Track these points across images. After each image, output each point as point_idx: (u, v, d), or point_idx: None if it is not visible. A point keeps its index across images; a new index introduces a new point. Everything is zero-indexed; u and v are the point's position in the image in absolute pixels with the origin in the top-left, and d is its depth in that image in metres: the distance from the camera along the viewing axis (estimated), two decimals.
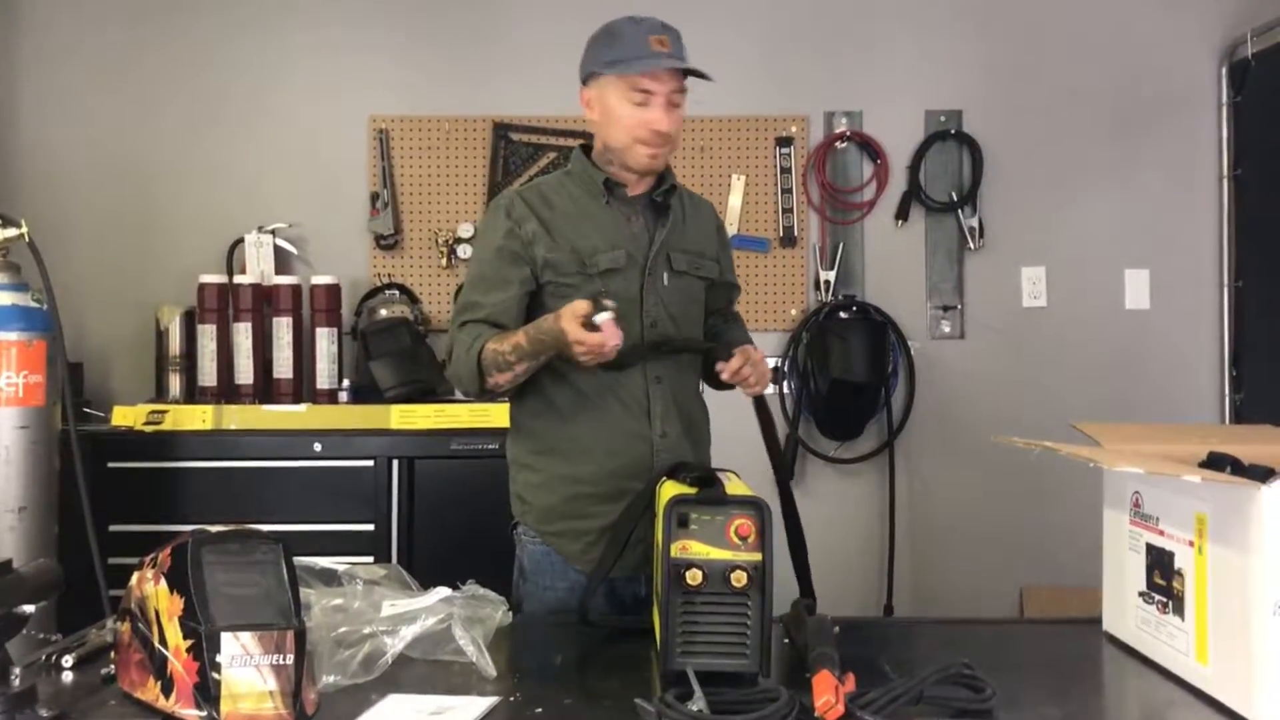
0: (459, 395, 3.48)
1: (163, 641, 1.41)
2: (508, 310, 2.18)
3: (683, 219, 2.33)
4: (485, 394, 2.18)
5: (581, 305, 1.97)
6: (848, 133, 3.90)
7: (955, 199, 3.88)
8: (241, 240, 3.71)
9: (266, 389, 3.55)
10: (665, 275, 2.25)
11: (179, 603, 1.40)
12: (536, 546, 2.26)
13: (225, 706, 1.36)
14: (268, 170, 3.86)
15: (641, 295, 2.21)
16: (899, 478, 3.86)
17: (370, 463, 3.25)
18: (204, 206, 3.83)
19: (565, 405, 2.22)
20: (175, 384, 3.58)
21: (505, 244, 2.21)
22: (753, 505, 1.54)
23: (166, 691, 1.40)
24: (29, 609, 1.49)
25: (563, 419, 2.22)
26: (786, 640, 1.69)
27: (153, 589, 1.44)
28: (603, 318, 1.95)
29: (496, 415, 3.30)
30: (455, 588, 1.72)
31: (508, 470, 2.33)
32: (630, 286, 2.21)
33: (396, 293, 3.74)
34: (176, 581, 1.41)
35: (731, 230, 3.88)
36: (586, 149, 2.32)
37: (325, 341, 3.58)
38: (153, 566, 1.47)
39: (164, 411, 3.29)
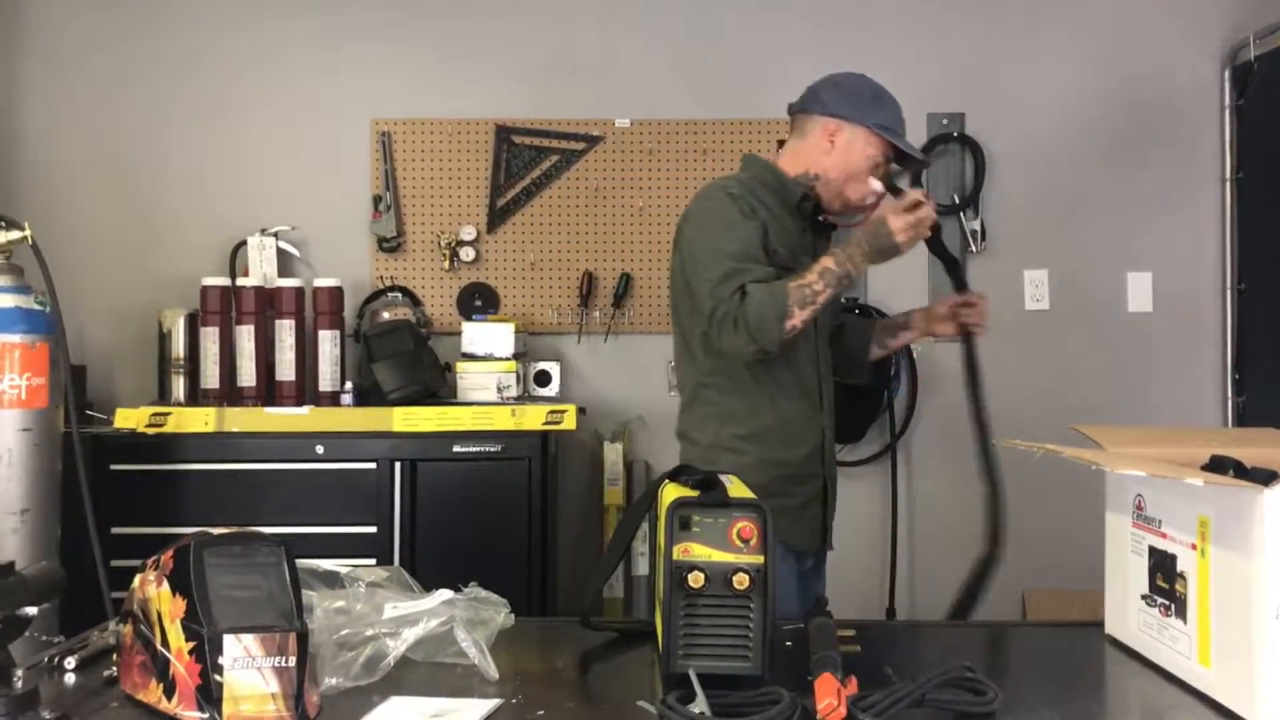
0: (464, 398, 3.50)
1: (165, 644, 1.41)
2: (757, 253, 2.35)
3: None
4: (769, 347, 2.29)
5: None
6: None
7: (957, 201, 3.88)
8: (244, 243, 3.72)
9: (269, 391, 3.55)
10: None
11: (181, 605, 1.40)
12: None
13: (227, 709, 1.36)
14: (270, 173, 3.87)
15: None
16: (901, 481, 3.86)
17: (373, 465, 3.26)
18: (206, 209, 3.84)
19: (768, 394, 2.44)
20: (178, 386, 3.58)
21: (744, 213, 2.38)
22: (755, 508, 1.54)
23: (169, 693, 1.40)
24: (32, 611, 1.49)
25: (769, 405, 2.44)
26: (788, 642, 1.69)
27: (155, 591, 1.44)
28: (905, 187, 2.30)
29: (498, 418, 3.31)
30: (457, 590, 1.71)
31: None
32: None
33: (399, 295, 3.74)
34: (179, 584, 1.42)
35: None
36: (754, 157, 2.61)
37: (328, 344, 3.59)
38: (155, 569, 1.47)
39: (166, 414, 3.29)
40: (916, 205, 2.29)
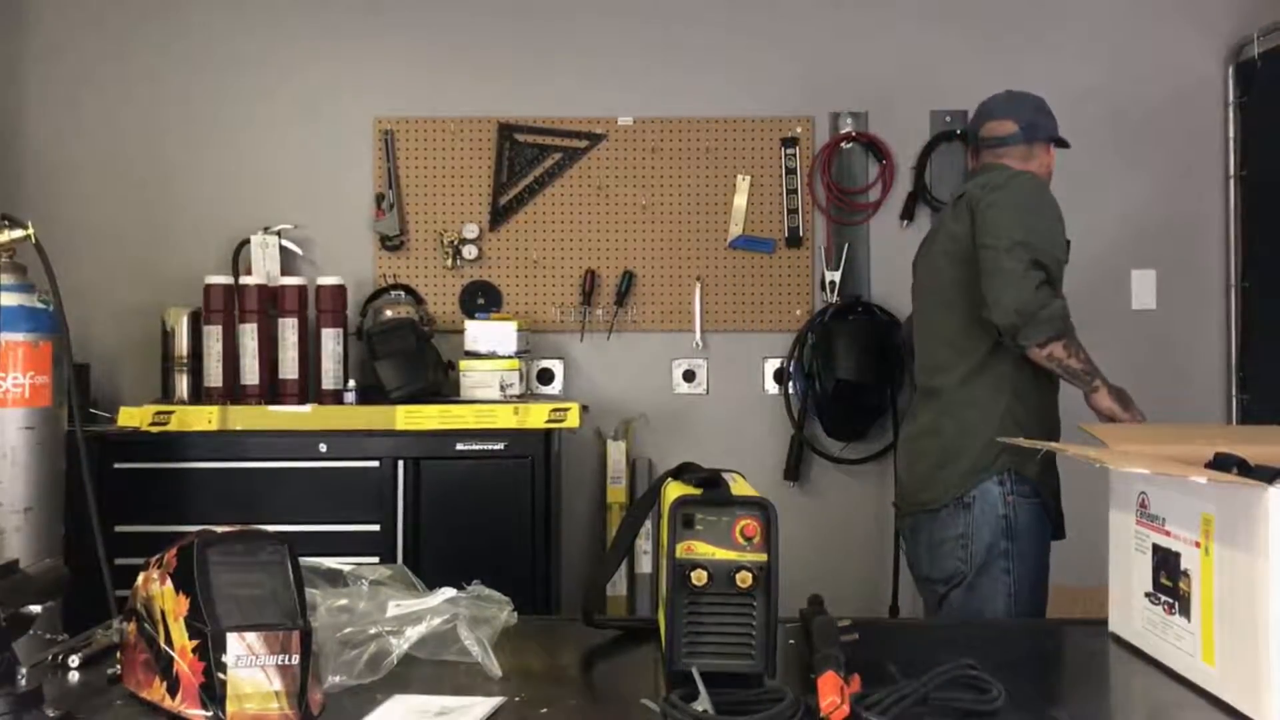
0: (467, 396, 3.50)
1: (168, 642, 1.41)
2: (1057, 269, 2.66)
3: None
4: (1032, 346, 2.61)
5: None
6: (853, 133, 3.90)
7: None
8: (247, 241, 3.72)
9: (272, 390, 3.55)
10: None
11: (185, 603, 1.40)
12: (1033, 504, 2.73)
13: (231, 707, 1.36)
14: (273, 172, 3.87)
15: None
16: None
17: (376, 463, 3.26)
18: (210, 208, 3.84)
19: (1047, 384, 2.76)
20: (181, 385, 3.58)
21: (1060, 219, 2.72)
22: (758, 505, 1.54)
23: (172, 691, 1.40)
24: (35, 609, 1.49)
25: (1053, 391, 2.77)
26: (792, 640, 1.69)
27: (159, 589, 1.44)
28: None
29: (501, 416, 3.31)
30: (461, 588, 1.71)
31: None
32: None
33: (402, 293, 3.74)
34: (182, 582, 1.42)
35: (736, 230, 3.89)
36: None
37: (331, 342, 3.59)
38: (159, 567, 1.47)
39: (170, 412, 3.30)
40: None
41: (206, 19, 3.88)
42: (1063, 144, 3.00)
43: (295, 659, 1.38)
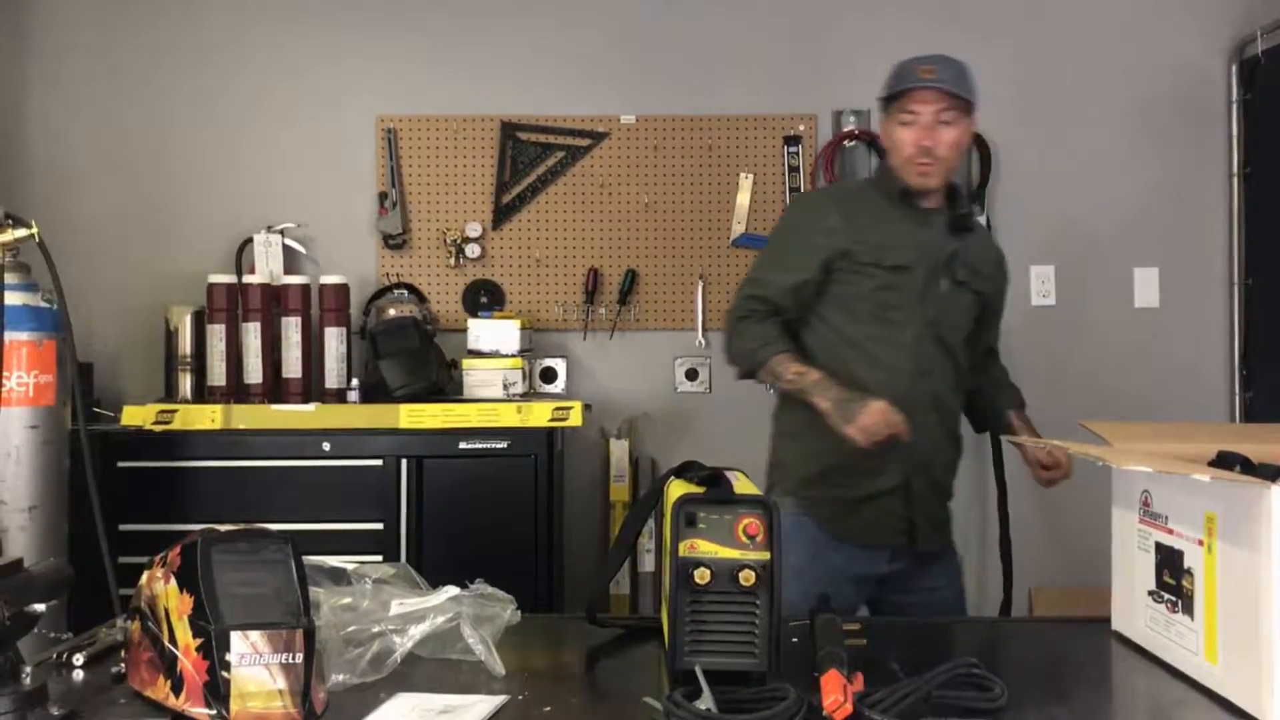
0: (470, 395, 3.50)
1: (172, 640, 1.41)
2: (791, 295, 2.52)
3: (974, 237, 2.61)
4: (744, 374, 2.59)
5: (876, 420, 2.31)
6: (856, 131, 3.89)
7: None
8: (250, 240, 3.73)
9: (275, 388, 3.56)
10: (944, 283, 2.52)
11: (188, 601, 1.40)
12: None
13: (235, 705, 1.36)
14: (276, 170, 3.88)
15: (923, 296, 2.49)
16: None
17: (379, 462, 3.26)
18: (213, 207, 3.84)
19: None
20: (185, 384, 3.59)
21: (805, 233, 2.56)
22: (761, 504, 1.54)
23: (176, 690, 1.40)
24: (40, 608, 1.49)
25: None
26: (794, 639, 1.69)
27: (162, 588, 1.45)
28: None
29: (504, 415, 3.31)
30: (464, 586, 1.72)
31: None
32: (914, 284, 2.48)
33: (405, 292, 3.74)
34: (186, 580, 1.42)
35: (739, 229, 3.89)
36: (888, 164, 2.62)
37: (334, 341, 3.59)
38: (162, 565, 1.47)
39: (173, 411, 3.30)
40: (887, 424, 2.31)
41: (210, 18, 3.88)
42: (893, 98, 2.54)
43: (299, 657, 1.38)
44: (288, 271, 3.72)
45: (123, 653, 1.57)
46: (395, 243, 3.86)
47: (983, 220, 3.86)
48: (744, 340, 2.54)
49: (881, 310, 2.49)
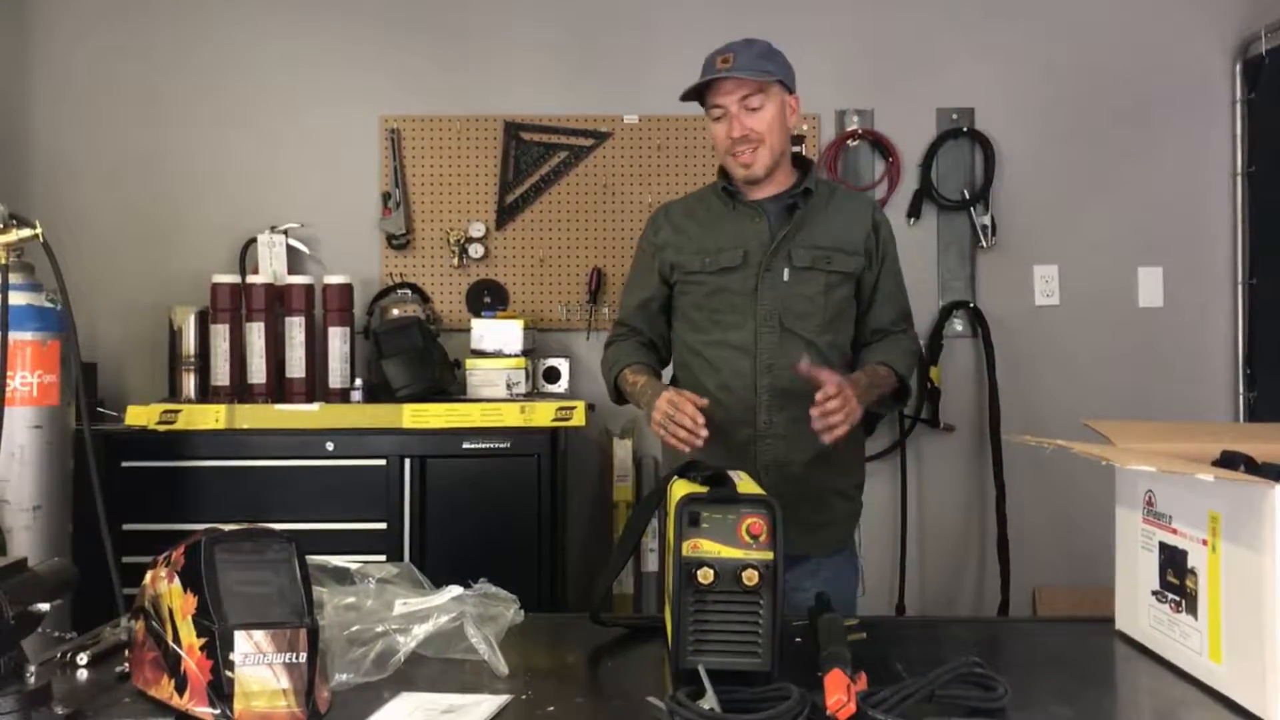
0: (473, 395, 3.51)
1: (176, 640, 1.41)
2: (638, 314, 2.58)
3: (821, 216, 2.49)
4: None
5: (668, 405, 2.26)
6: (859, 131, 3.89)
7: (967, 197, 3.87)
8: (254, 240, 3.73)
9: (279, 388, 3.56)
10: (786, 271, 2.43)
11: (192, 601, 1.41)
12: None
13: (238, 704, 1.36)
14: (280, 170, 3.88)
15: (757, 291, 2.42)
16: (911, 476, 3.86)
17: (383, 462, 3.26)
18: (216, 207, 3.85)
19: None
20: (188, 384, 3.59)
21: (644, 250, 2.59)
22: (764, 504, 1.54)
23: (180, 689, 1.40)
24: (44, 607, 1.50)
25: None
26: (797, 639, 1.69)
27: (166, 587, 1.45)
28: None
29: (508, 415, 3.31)
30: (467, 586, 1.72)
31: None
32: (745, 283, 2.43)
33: (408, 292, 3.75)
34: (190, 580, 1.42)
35: None
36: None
37: (337, 341, 3.59)
38: (166, 565, 1.47)
39: (177, 411, 3.30)
40: (682, 417, 2.24)
41: (213, 18, 3.89)
42: (689, 98, 2.50)
43: (302, 657, 1.39)
44: (291, 271, 3.72)
45: (127, 652, 1.57)
46: (399, 243, 3.86)
47: (986, 220, 3.86)
48: (603, 367, 2.62)
49: (715, 315, 2.47)
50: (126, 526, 2.99)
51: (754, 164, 2.44)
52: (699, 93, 2.47)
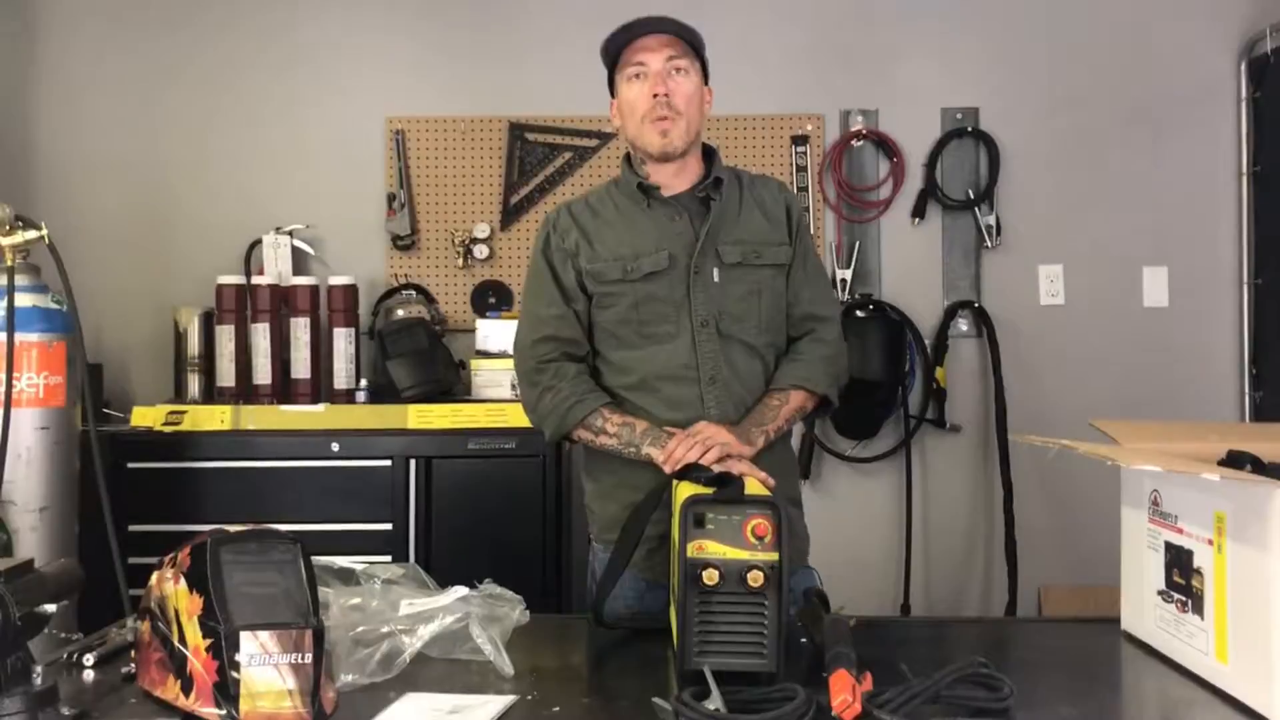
0: (478, 395, 3.51)
1: (182, 640, 1.42)
2: (569, 322, 2.17)
3: (738, 207, 2.22)
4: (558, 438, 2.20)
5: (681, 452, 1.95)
6: (864, 131, 3.89)
7: (972, 197, 3.87)
8: (259, 241, 3.73)
9: (284, 389, 3.56)
10: (716, 271, 2.15)
11: (198, 602, 1.41)
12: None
13: (244, 705, 1.36)
14: (285, 171, 3.88)
15: (689, 296, 2.13)
16: (916, 476, 3.85)
17: (388, 462, 3.26)
18: (221, 208, 3.85)
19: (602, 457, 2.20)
20: (194, 385, 3.60)
21: (547, 261, 2.20)
22: (769, 505, 1.54)
23: (186, 690, 1.41)
24: (50, 608, 1.50)
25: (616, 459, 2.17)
26: (804, 639, 1.69)
27: (172, 588, 1.45)
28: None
29: (513, 415, 3.31)
30: (473, 587, 1.72)
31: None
32: (675, 289, 2.14)
33: (413, 293, 3.75)
34: (196, 581, 1.42)
35: None
36: (630, 158, 2.26)
37: (343, 342, 3.60)
38: (172, 566, 1.47)
39: (183, 412, 3.31)
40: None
41: (218, 20, 3.89)
42: (617, 58, 2.19)
43: (308, 657, 1.39)
44: (296, 272, 3.73)
45: (133, 653, 1.57)
46: (404, 243, 3.86)
47: (991, 220, 3.86)
48: (540, 409, 2.17)
49: (644, 327, 2.15)
50: (132, 527, 2.99)
51: (673, 133, 2.13)
52: (616, 55, 2.17)
